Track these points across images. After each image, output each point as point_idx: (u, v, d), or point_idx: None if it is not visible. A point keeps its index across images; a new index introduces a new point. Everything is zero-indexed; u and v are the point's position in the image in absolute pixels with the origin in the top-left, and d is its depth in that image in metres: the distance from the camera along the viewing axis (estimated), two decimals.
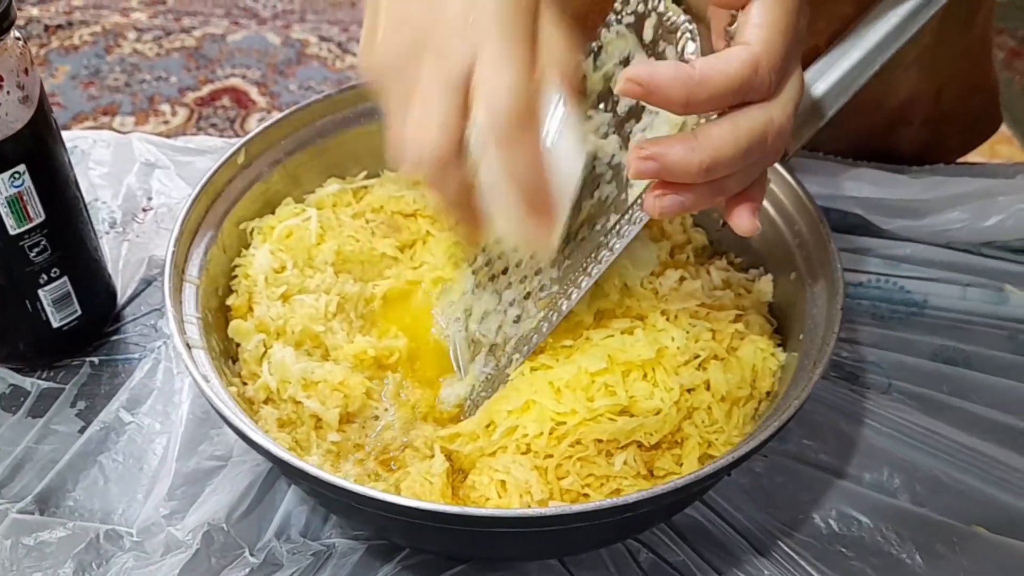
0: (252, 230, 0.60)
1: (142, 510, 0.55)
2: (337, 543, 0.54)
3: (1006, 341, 0.65)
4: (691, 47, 0.44)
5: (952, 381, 0.63)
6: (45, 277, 0.59)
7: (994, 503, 0.57)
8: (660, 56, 0.46)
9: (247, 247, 0.60)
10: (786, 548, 0.55)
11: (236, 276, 0.59)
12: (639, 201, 0.46)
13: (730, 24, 0.43)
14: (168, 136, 0.82)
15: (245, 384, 0.55)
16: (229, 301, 0.58)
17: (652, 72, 0.39)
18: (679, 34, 0.44)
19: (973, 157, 0.81)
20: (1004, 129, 1.96)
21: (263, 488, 0.56)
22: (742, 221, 0.44)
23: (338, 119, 0.63)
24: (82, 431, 0.59)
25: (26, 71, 0.54)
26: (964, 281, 0.68)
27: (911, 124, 0.77)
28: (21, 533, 0.54)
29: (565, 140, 0.44)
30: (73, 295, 0.61)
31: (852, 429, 0.60)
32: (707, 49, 0.44)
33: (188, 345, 0.51)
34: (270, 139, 0.61)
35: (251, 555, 0.53)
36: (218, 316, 0.57)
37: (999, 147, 1.94)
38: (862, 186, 0.71)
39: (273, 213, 0.61)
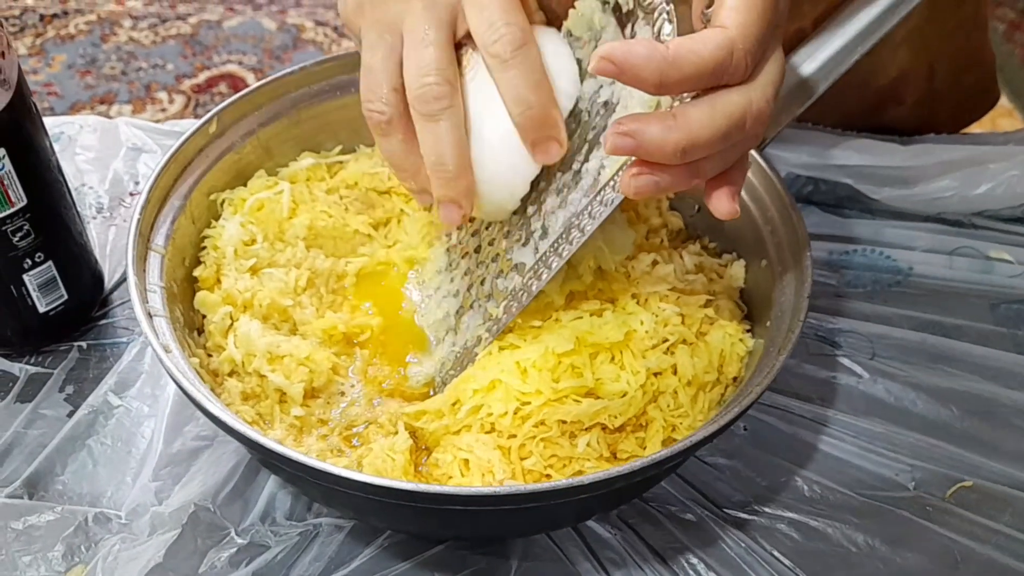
0: (223, 201, 0.60)
1: (130, 493, 0.55)
2: (323, 523, 0.54)
3: (988, 311, 0.65)
4: (667, 28, 0.43)
5: (935, 351, 0.63)
6: (29, 262, 0.59)
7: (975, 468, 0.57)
8: (633, 35, 0.46)
9: (217, 218, 0.59)
10: (766, 516, 0.55)
11: (205, 247, 0.58)
12: (611, 182, 0.46)
13: (708, 7, 0.42)
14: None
15: (210, 356, 0.54)
16: (196, 272, 0.57)
17: (626, 51, 0.39)
18: (656, 15, 0.44)
19: (974, 130, 0.81)
20: (1005, 102, 1.95)
21: (249, 468, 0.56)
22: (721, 204, 0.44)
23: (314, 91, 0.63)
24: (70, 415, 0.59)
25: (3, 54, 0.53)
26: (951, 246, 0.68)
27: (903, 103, 0.76)
28: (10, 517, 0.54)
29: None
30: (59, 280, 0.61)
31: (832, 397, 0.61)
32: (686, 32, 0.43)
33: (149, 314, 0.50)
34: (244, 109, 0.61)
35: (237, 535, 0.53)
36: (184, 287, 0.56)
37: (1000, 120, 1.93)
38: (852, 155, 0.71)
39: (245, 185, 0.61)
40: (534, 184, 0.52)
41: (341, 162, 0.64)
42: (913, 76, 0.75)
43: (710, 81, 0.40)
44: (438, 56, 0.47)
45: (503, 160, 0.48)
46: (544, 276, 0.49)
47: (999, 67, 0.80)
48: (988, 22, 0.79)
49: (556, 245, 0.49)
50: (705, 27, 0.42)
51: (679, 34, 0.43)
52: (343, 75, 0.63)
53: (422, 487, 0.42)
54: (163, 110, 1.95)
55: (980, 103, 0.82)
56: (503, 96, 0.47)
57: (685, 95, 0.42)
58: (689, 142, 0.40)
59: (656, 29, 0.44)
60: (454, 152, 0.47)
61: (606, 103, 0.48)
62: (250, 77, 2.03)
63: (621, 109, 0.46)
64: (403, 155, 0.49)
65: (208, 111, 0.59)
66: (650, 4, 0.44)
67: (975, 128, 0.81)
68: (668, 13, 0.43)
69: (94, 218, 0.72)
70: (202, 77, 2.04)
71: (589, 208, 0.47)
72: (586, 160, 0.48)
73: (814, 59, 0.56)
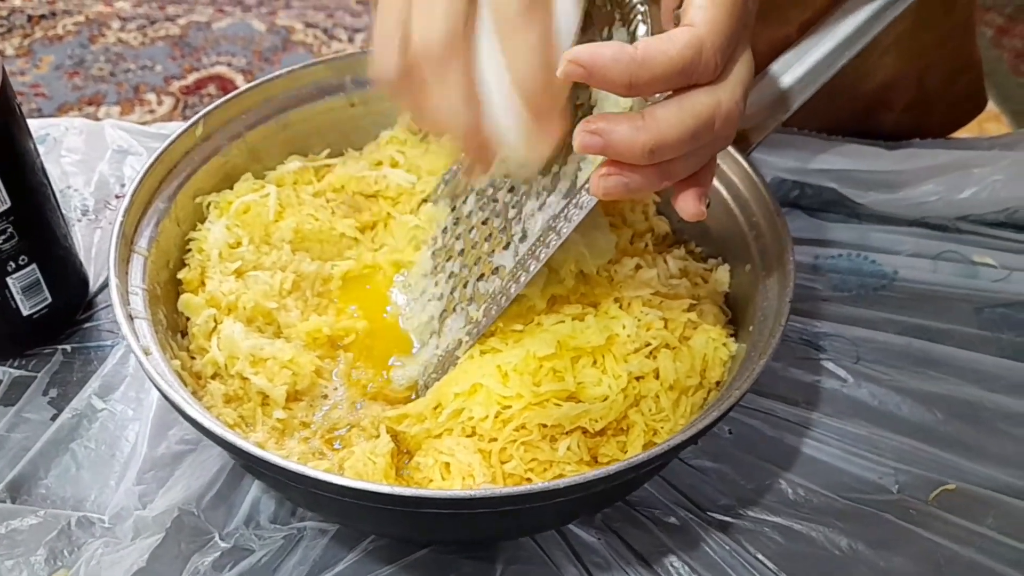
0: (208, 204, 0.60)
1: (114, 497, 0.55)
2: (307, 527, 0.54)
3: (973, 315, 0.65)
4: (642, 29, 0.43)
5: (920, 355, 0.63)
6: (13, 265, 0.58)
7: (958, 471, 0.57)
8: (610, 38, 0.46)
9: (202, 221, 0.59)
10: (750, 520, 0.55)
11: (190, 250, 0.58)
12: (587, 185, 0.46)
13: (678, 7, 0.42)
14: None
15: (193, 359, 0.54)
16: (181, 275, 0.57)
17: (593, 53, 0.39)
18: (631, 15, 0.44)
19: (960, 134, 0.81)
20: (992, 107, 1.96)
21: (233, 472, 0.56)
22: (688, 205, 0.44)
23: (301, 94, 0.63)
24: (54, 419, 0.59)
25: None
26: (936, 251, 0.68)
27: (892, 108, 0.77)
28: None
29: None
30: (43, 283, 0.60)
31: (817, 401, 0.61)
32: (659, 32, 0.43)
33: (130, 316, 0.50)
34: (231, 112, 0.61)
35: (221, 539, 0.53)
36: (168, 289, 0.56)
37: (987, 125, 1.94)
38: (837, 159, 0.71)
39: (231, 188, 0.61)
40: (516, 187, 0.52)
41: (328, 165, 0.64)
42: (902, 82, 0.75)
43: (680, 80, 0.40)
44: (444, 9, 0.42)
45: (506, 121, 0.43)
46: (522, 279, 0.49)
47: (986, 72, 0.81)
48: (977, 27, 0.79)
49: (534, 248, 0.49)
50: (675, 26, 0.42)
51: (652, 35, 0.43)
52: (331, 78, 0.63)
53: (400, 490, 0.42)
54: (151, 112, 1.95)
55: (969, 109, 0.83)
56: (508, 63, 0.42)
57: (658, 96, 0.42)
58: (657, 142, 0.40)
59: (631, 30, 0.44)
60: (462, 111, 0.42)
61: (583, 105, 0.48)
62: (239, 79, 2.03)
63: (597, 112, 0.47)
64: (418, 110, 0.45)
65: (197, 113, 0.59)
66: (627, 5, 0.44)
67: (961, 133, 0.81)
68: (643, 14, 0.43)
69: (79, 221, 0.71)
70: (191, 79, 2.03)
71: (566, 211, 0.47)
72: (564, 163, 0.49)
73: (801, 64, 0.56)
